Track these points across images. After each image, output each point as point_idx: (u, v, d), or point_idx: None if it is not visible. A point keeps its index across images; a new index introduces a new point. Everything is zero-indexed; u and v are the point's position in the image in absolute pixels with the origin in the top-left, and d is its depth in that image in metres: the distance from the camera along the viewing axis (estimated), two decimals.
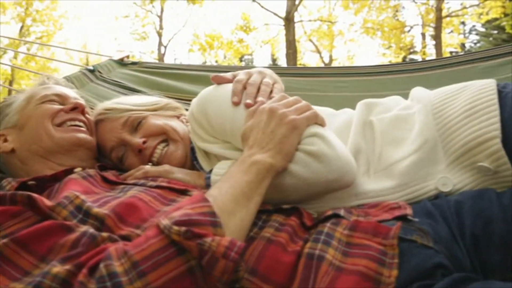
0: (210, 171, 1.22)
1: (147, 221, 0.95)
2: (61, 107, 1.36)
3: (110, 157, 1.42)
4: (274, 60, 41.48)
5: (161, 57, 25.96)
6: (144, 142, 1.35)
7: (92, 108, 1.99)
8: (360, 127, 1.24)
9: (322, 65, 29.51)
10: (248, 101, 1.18)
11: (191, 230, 0.76)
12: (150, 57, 26.23)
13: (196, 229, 0.77)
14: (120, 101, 1.50)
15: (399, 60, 22.22)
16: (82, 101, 1.43)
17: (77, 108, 1.38)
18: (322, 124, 1.13)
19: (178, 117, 1.49)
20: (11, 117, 1.36)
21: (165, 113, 1.46)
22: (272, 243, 0.92)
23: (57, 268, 0.77)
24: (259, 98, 1.19)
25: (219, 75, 1.29)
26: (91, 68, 2.25)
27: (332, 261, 0.86)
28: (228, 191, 0.91)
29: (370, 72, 2.06)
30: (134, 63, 2.36)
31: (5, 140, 1.34)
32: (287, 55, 16.43)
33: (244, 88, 1.23)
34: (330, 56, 27.10)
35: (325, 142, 1.06)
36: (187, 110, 1.83)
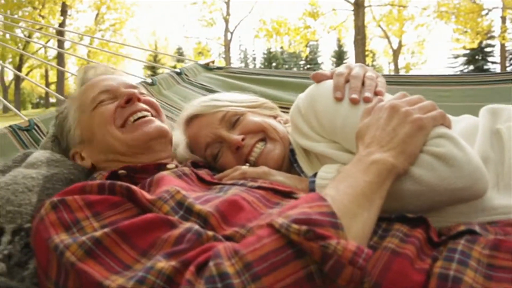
0: (315, 174, 1.12)
1: (251, 222, 0.86)
2: (115, 105, 1.25)
3: (204, 154, 1.36)
4: (340, 46, 40.59)
5: (227, 43, 26.22)
6: (242, 140, 1.28)
7: (174, 107, 2.02)
8: (487, 135, 1.10)
9: (390, 51, 28.52)
10: (354, 95, 1.09)
11: (313, 230, 0.67)
12: (217, 43, 26.55)
13: (317, 229, 0.68)
14: (216, 97, 1.43)
15: (475, 45, 21.01)
16: (132, 88, 1.30)
17: (131, 100, 1.25)
18: (449, 126, 1.00)
19: (275, 117, 1.42)
20: (74, 133, 1.28)
21: (263, 112, 1.40)
22: (399, 256, 0.80)
23: (162, 263, 0.72)
24: (366, 94, 1.10)
25: (319, 72, 1.21)
26: (178, 71, 2.30)
27: (472, 285, 0.73)
28: (347, 191, 0.81)
29: (475, 81, 1.92)
30: (219, 68, 2.39)
31: (81, 157, 1.28)
32: (355, 41, 16.02)
33: (346, 81, 1.15)
34: (400, 42, 26.12)
35: (454, 144, 0.93)
36: None
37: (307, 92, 1.21)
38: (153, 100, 1.34)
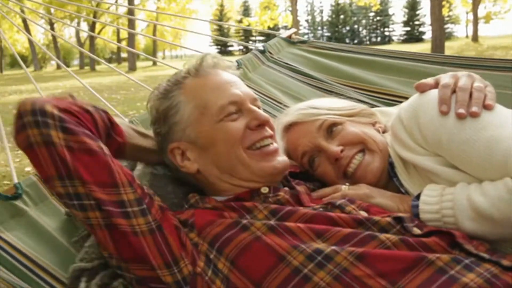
0: (418, 196, 1.12)
1: None
2: (244, 124, 1.19)
3: (301, 161, 1.37)
4: None
5: None
6: (341, 151, 1.28)
7: (262, 93, 1.99)
8: None
9: None
10: (461, 110, 1.05)
11: None
12: None
13: None
14: (314, 104, 1.42)
15: None
16: (257, 103, 1.25)
17: (263, 125, 1.21)
18: None
19: (373, 125, 1.39)
20: (185, 130, 1.20)
21: (361, 120, 1.37)
22: None
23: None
24: (473, 108, 1.05)
25: (422, 82, 1.17)
26: (262, 48, 2.25)
27: None
28: None
29: None
30: (302, 42, 2.32)
31: (183, 154, 1.22)
32: None
33: (452, 93, 1.10)
34: None
35: None
36: (363, 102, 1.73)
37: (410, 103, 1.17)
38: (270, 118, 1.28)
